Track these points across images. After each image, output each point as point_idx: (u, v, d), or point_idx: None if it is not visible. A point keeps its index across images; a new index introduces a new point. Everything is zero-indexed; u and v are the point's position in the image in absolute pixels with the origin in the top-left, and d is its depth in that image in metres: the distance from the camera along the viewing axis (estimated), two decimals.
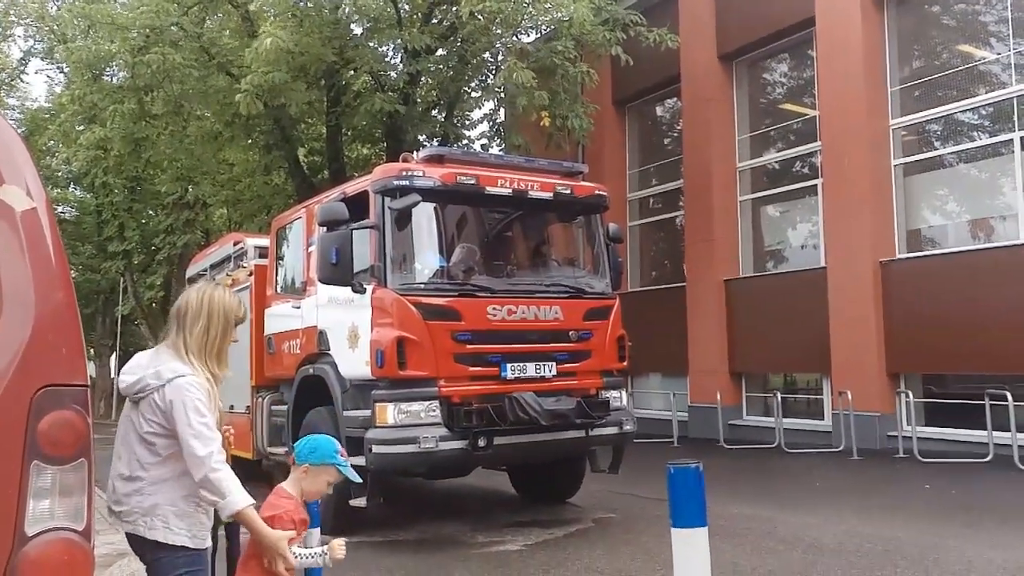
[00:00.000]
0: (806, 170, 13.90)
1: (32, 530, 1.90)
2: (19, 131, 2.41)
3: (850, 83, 12.15)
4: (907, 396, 10.89)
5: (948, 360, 11.12)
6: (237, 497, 2.66)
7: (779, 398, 12.38)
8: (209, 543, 2.80)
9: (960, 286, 10.79)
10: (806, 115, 13.81)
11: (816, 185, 13.26)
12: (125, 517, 2.70)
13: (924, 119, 12.03)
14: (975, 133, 11.74)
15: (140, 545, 2.71)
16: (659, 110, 17.55)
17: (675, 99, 16.09)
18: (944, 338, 10.84)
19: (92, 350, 31.13)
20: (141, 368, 2.77)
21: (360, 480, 3.18)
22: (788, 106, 14.50)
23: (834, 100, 12.47)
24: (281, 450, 7.93)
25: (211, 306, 2.83)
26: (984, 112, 11.51)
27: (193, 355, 2.78)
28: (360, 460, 6.25)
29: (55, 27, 20.52)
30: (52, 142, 23.22)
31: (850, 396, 11.07)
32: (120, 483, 2.72)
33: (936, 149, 12.13)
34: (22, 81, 27.57)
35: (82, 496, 2.00)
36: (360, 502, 6.28)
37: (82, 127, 17.73)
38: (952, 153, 11.98)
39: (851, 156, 12.05)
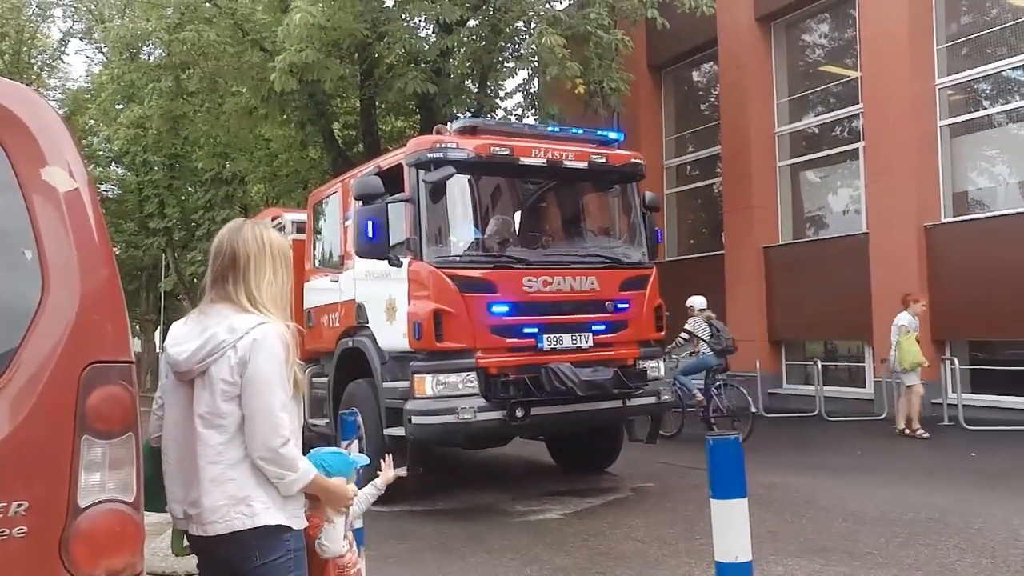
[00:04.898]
0: (847, 134, 13.56)
1: (85, 502, 1.96)
2: (60, 112, 2.44)
3: (894, 42, 11.77)
4: (952, 363, 10.67)
5: (995, 326, 10.85)
6: (307, 465, 2.23)
7: (819, 366, 12.23)
8: (305, 523, 2.32)
9: (1008, 250, 10.48)
10: (847, 77, 13.43)
11: (857, 149, 12.93)
12: (209, 517, 2.16)
13: (972, 78, 11.63)
14: None
15: (232, 545, 2.17)
16: (696, 75, 17.21)
17: (712, 63, 15.77)
18: (991, 304, 10.57)
19: (137, 325, 31.91)
20: (195, 334, 2.23)
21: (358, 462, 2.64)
22: (828, 68, 14.11)
23: (877, 60, 12.11)
24: (322, 421, 8.08)
25: (272, 248, 2.30)
26: None
27: (266, 308, 2.25)
28: (400, 431, 6.36)
29: (93, 7, 20.79)
30: (93, 121, 23.61)
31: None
32: (188, 479, 2.22)
33: (984, 109, 11.74)
34: (62, 62, 28.07)
35: (131, 469, 2.05)
36: (400, 472, 6.37)
37: (121, 106, 18.01)
38: (1001, 112, 11.59)
39: (894, 118, 11.72)
